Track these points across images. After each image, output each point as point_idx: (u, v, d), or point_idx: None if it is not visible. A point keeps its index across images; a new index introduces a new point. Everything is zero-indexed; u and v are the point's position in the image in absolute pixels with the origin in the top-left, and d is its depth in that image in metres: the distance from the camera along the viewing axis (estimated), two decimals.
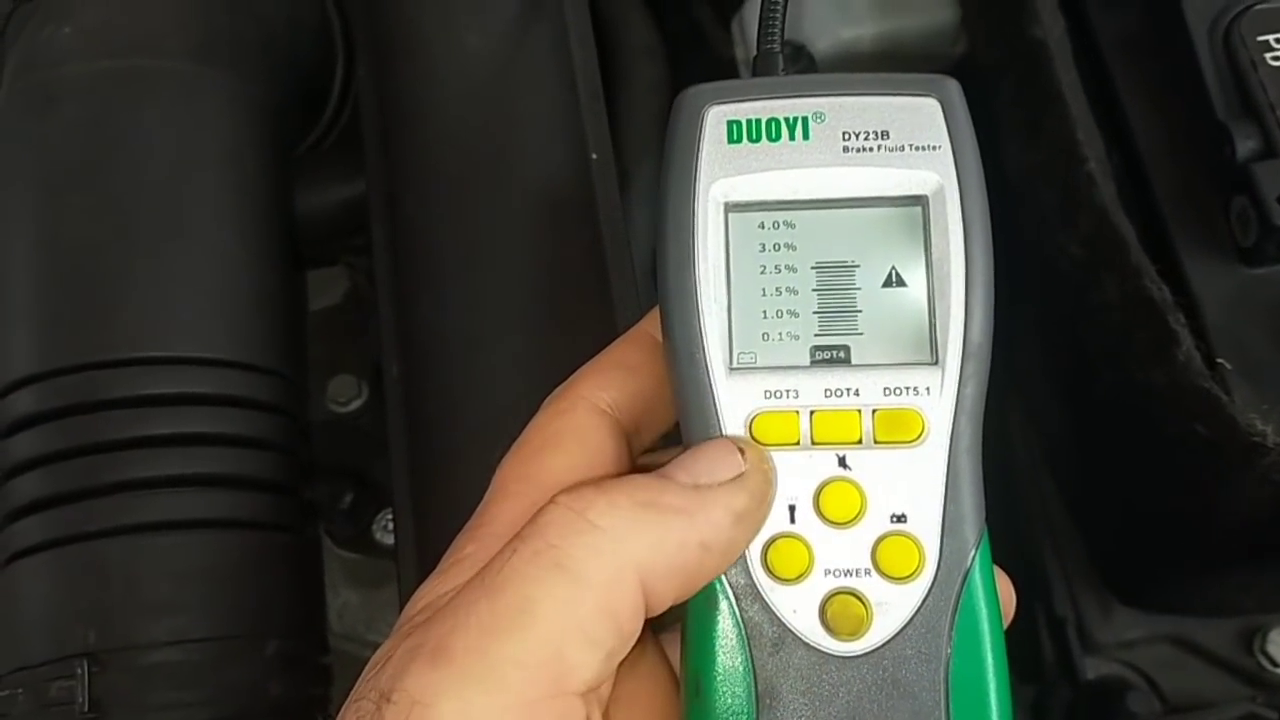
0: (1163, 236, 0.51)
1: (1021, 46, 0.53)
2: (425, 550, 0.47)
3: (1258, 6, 0.51)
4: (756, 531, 0.33)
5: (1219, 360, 0.48)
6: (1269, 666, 0.63)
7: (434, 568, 0.34)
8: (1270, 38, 0.50)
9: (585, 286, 0.51)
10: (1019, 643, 0.69)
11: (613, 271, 0.51)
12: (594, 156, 0.52)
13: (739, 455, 0.33)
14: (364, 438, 0.58)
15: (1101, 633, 0.66)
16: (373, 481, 0.59)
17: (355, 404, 0.58)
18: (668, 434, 0.37)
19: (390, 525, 0.58)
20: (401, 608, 0.36)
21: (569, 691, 0.29)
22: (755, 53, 0.39)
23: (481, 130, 0.53)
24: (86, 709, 0.39)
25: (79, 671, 0.39)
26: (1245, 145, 0.48)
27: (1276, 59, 0.50)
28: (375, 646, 0.61)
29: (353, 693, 0.31)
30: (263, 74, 0.51)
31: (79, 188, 0.46)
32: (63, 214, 0.46)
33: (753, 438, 0.34)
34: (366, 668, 0.31)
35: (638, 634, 0.31)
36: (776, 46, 0.38)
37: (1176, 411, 0.48)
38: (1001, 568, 0.36)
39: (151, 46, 0.47)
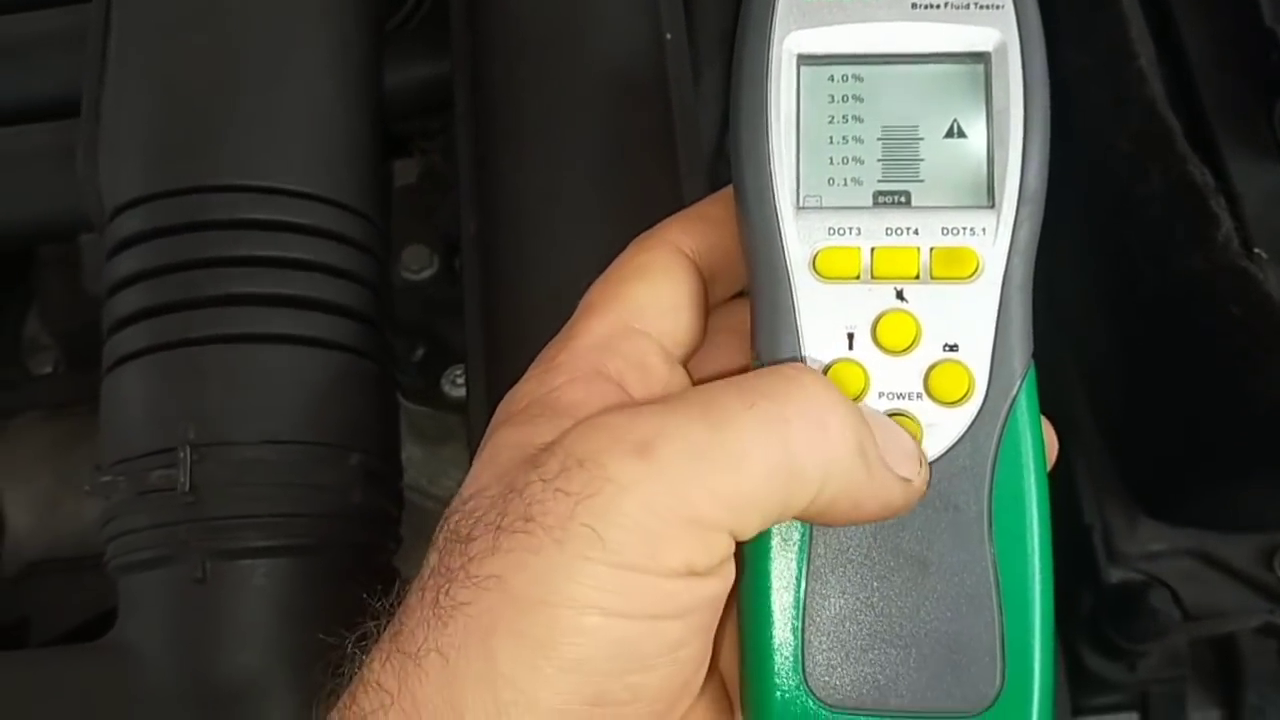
0: (1208, 136, 0.53)
1: None
2: (495, 401, 0.51)
3: None
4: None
5: (1256, 250, 0.50)
6: None
7: None
8: None
9: (654, 156, 0.54)
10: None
11: (681, 143, 0.53)
12: (668, 36, 0.55)
13: (922, 467, 0.34)
14: (435, 302, 0.61)
15: (1126, 543, 0.69)
16: (442, 340, 0.62)
17: (426, 273, 0.61)
18: (740, 292, 0.39)
19: (458, 379, 0.61)
20: (471, 458, 0.38)
21: (729, 542, 0.31)
22: None
23: (562, 7, 0.56)
24: (187, 488, 0.42)
25: (182, 456, 0.42)
26: None
27: None
28: (437, 499, 0.64)
29: (499, 456, 0.32)
30: None
31: (192, 31, 0.49)
32: (176, 55, 0.49)
33: (815, 271, 0.35)
34: (485, 448, 0.33)
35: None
36: None
37: (1212, 295, 0.50)
38: None
39: None
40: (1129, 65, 0.53)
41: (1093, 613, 0.69)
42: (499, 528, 0.30)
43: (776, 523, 0.33)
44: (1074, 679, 0.70)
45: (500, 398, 0.52)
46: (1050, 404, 0.76)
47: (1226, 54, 0.55)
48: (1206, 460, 0.62)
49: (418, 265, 0.61)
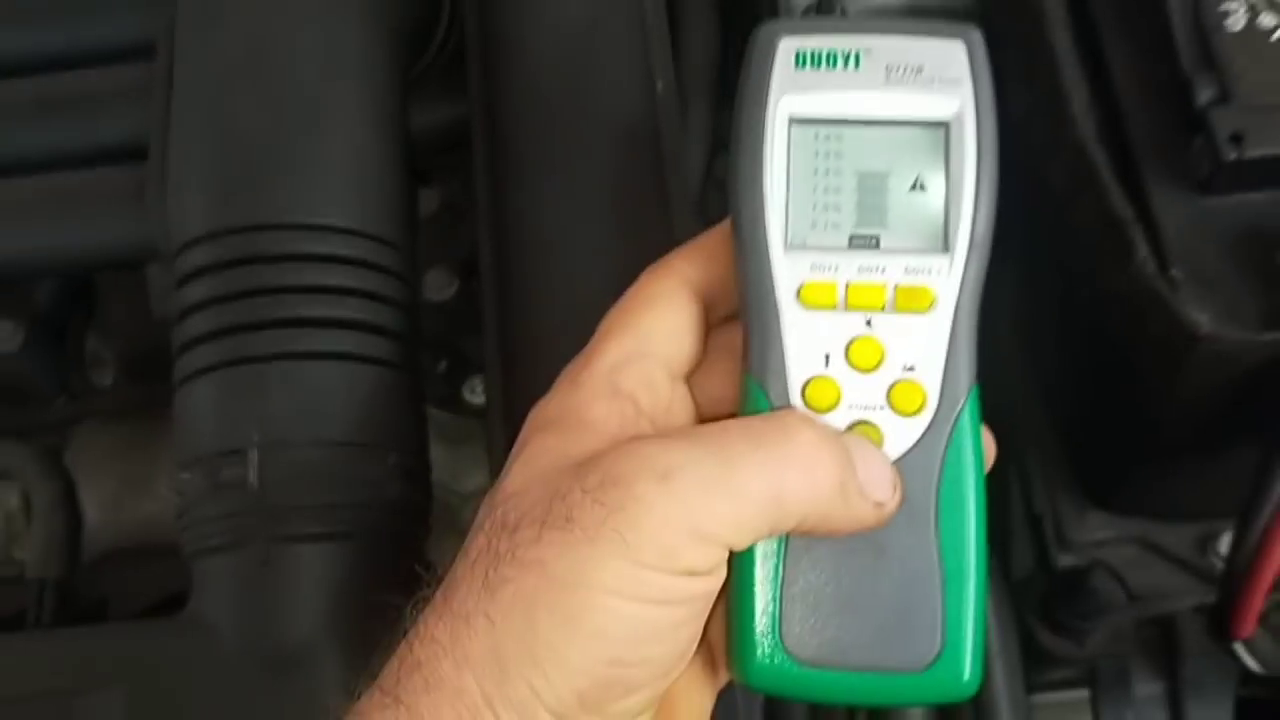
0: (1135, 169, 0.58)
1: (1025, 7, 0.62)
2: (511, 410, 0.55)
3: None
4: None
5: (1173, 271, 0.57)
6: (1221, 566, 0.72)
7: (519, 427, 0.42)
8: (1229, 6, 0.57)
9: (648, 191, 0.59)
10: (1004, 541, 0.79)
11: (670, 179, 0.59)
12: (659, 85, 0.61)
13: (895, 491, 0.40)
14: (455, 320, 0.68)
15: (1076, 531, 0.75)
16: (462, 354, 0.70)
17: (448, 293, 0.68)
18: (731, 315, 0.44)
19: (477, 388, 0.68)
20: (492, 466, 0.44)
21: (725, 552, 0.37)
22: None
23: (567, 60, 0.61)
24: (255, 483, 0.49)
25: (251, 456, 0.49)
26: (1204, 94, 0.55)
27: (1234, 23, 0.56)
28: (458, 494, 0.71)
29: (529, 472, 0.38)
30: (390, 2, 0.61)
31: (246, 86, 0.56)
32: (231, 106, 0.56)
33: (799, 301, 0.41)
34: (524, 451, 0.40)
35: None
36: None
37: (1133, 311, 0.56)
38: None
39: None
40: (1063, 108, 0.60)
41: (1045, 595, 0.75)
42: (544, 523, 0.36)
43: (765, 538, 0.39)
44: (1029, 655, 0.77)
45: (516, 404, 0.60)
46: (1008, 405, 0.84)
47: (1152, 96, 0.59)
48: (1142, 455, 0.68)
49: (439, 286, 0.68)
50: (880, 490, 0.39)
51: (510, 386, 0.57)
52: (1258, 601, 0.66)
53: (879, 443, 0.41)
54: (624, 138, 0.61)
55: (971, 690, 0.41)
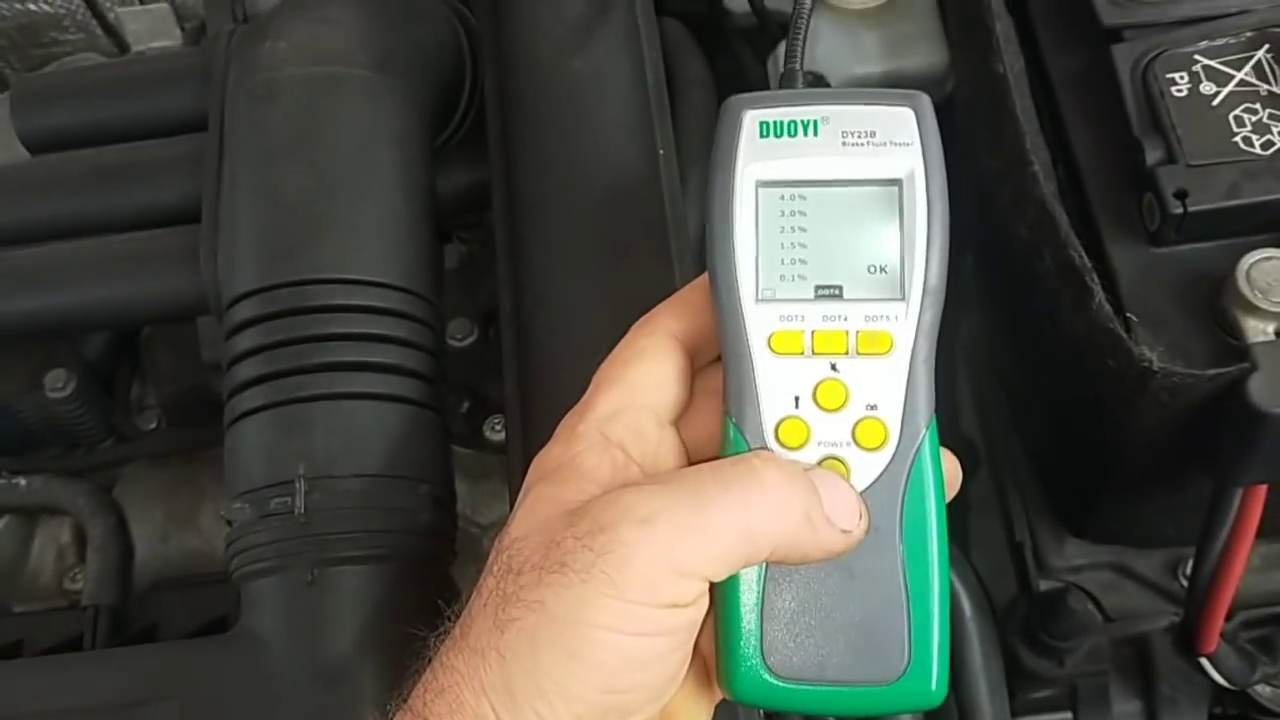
0: (1092, 224, 0.63)
1: (989, 78, 0.66)
2: (530, 446, 0.59)
3: (1167, 52, 0.63)
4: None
5: (1129, 315, 0.61)
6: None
7: None
8: (1175, 75, 0.62)
9: (652, 247, 0.64)
10: (990, 569, 0.84)
11: (673, 236, 0.64)
12: (661, 153, 0.66)
13: (861, 518, 0.42)
14: (475, 364, 0.74)
15: (1054, 558, 0.79)
16: (483, 395, 0.75)
17: (469, 340, 0.74)
18: (717, 358, 0.46)
19: (497, 426, 0.74)
20: (511, 498, 0.48)
21: (704, 585, 0.41)
22: (782, 72, 0.53)
23: (578, 129, 0.67)
24: (302, 512, 0.55)
25: (298, 486, 0.55)
26: (1153, 155, 0.60)
27: (1179, 91, 0.62)
28: (479, 525, 0.76)
29: (530, 525, 0.41)
30: (419, 82, 0.67)
31: (291, 156, 0.62)
32: (279, 175, 0.62)
33: (770, 348, 0.43)
34: (526, 499, 0.43)
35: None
36: (797, 66, 0.50)
37: (1093, 351, 0.59)
38: (966, 482, 0.46)
39: (344, 58, 0.64)
40: (1026, 170, 0.64)
41: (1026, 617, 0.80)
42: (543, 568, 0.40)
43: (741, 569, 0.42)
44: (1012, 675, 0.81)
45: (533, 442, 0.64)
46: (988, 440, 0.89)
47: (1107, 156, 0.64)
48: (1111, 486, 0.72)
49: (461, 334, 0.74)
50: (847, 519, 0.42)
51: (528, 424, 0.62)
52: (1218, 619, 0.71)
53: (846, 476, 0.43)
54: (630, 199, 0.66)
55: (939, 699, 0.43)
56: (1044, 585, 0.80)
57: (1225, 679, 0.76)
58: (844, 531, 0.42)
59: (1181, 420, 0.61)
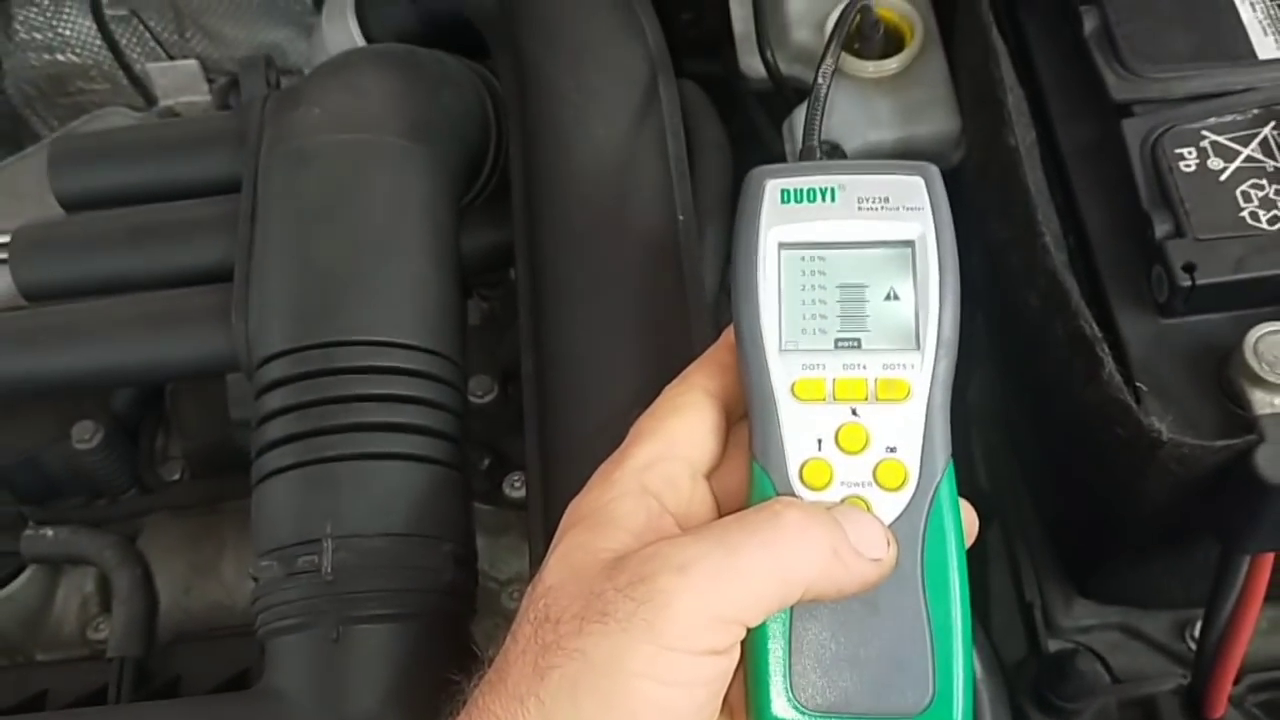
0: (1101, 294, 0.65)
1: (1001, 150, 0.68)
2: (550, 503, 0.61)
3: (1175, 127, 0.65)
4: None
5: (1138, 384, 0.61)
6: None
7: (557, 522, 0.47)
8: (1184, 150, 0.64)
9: (670, 308, 0.66)
10: (1000, 628, 0.85)
11: (691, 300, 0.66)
12: (680, 218, 0.68)
13: (890, 545, 0.44)
14: (495, 421, 0.76)
15: (1063, 618, 0.79)
16: (502, 452, 0.77)
17: (489, 397, 0.76)
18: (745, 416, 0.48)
19: (517, 483, 0.75)
20: (531, 555, 0.49)
21: (741, 630, 0.42)
22: (801, 146, 0.56)
23: (599, 195, 0.69)
24: (329, 571, 0.56)
25: (325, 545, 0.56)
26: (1162, 228, 0.61)
27: (1187, 166, 0.63)
28: (498, 582, 0.77)
29: (566, 576, 0.43)
30: (448, 147, 0.69)
31: (323, 221, 0.64)
32: (311, 238, 0.64)
33: (794, 395, 0.46)
34: (560, 546, 0.44)
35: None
36: (815, 142, 0.54)
37: (1103, 419, 0.60)
38: (983, 541, 0.48)
39: (376, 126, 0.66)
40: (1036, 241, 0.65)
41: (1035, 677, 0.80)
42: (584, 618, 0.41)
43: (776, 612, 0.43)
44: None
45: (553, 499, 0.65)
46: (1000, 503, 0.90)
47: (1117, 228, 0.65)
48: (1119, 549, 0.73)
49: (482, 390, 0.76)
50: (875, 548, 0.43)
51: (549, 481, 0.63)
52: (1227, 684, 0.72)
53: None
54: (650, 260, 0.68)
55: None
56: (1053, 645, 0.80)
57: None
58: (874, 560, 0.43)
59: (1190, 488, 0.62)
